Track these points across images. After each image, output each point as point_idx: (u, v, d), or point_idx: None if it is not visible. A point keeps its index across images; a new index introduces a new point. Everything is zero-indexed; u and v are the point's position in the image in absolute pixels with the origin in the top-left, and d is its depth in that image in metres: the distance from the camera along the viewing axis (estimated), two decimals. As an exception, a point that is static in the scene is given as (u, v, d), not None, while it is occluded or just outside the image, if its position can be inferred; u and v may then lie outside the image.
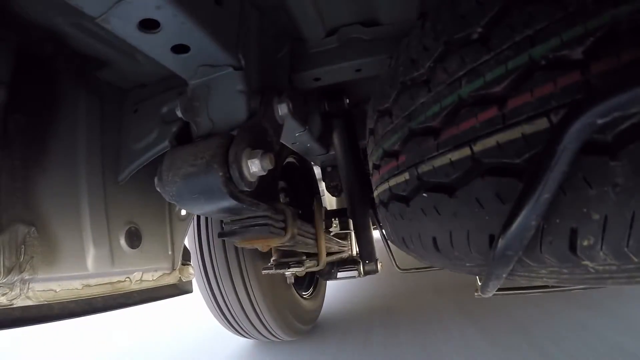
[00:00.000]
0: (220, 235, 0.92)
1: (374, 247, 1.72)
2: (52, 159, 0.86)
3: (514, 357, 1.41)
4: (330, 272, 1.87)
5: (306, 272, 2.21)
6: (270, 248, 1.39)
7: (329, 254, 1.56)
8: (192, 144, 0.71)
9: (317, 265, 1.44)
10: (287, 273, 1.49)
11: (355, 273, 1.83)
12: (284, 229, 0.97)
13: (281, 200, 1.92)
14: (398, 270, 1.66)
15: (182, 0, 0.57)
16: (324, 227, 1.49)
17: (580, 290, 1.43)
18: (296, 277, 2.00)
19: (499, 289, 0.66)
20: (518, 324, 1.76)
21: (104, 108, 1.00)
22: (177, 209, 1.24)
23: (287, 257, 1.45)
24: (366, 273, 1.79)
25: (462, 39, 0.56)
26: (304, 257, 1.43)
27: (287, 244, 1.01)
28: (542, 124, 0.43)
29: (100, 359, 2.29)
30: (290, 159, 2.06)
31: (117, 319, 3.26)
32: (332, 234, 1.93)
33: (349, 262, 1.89)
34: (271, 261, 1.48)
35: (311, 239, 1.32)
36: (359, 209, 1.55)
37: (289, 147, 1.41)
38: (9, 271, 0.74)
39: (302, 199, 2.12)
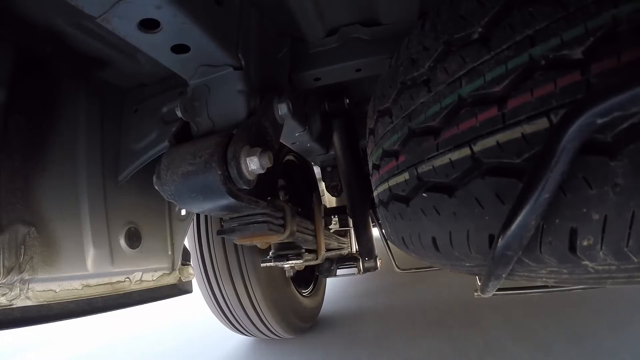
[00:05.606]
0: (219, 232, 0.92)
1: (373, 245, 1.72)
2: (52, 159, 0.86)
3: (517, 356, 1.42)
4: (329, 268, 1.88)
5: (306, 270, 2.22)
6: (269, 244, 1.39)
7: (328, 249, 1.56)
8: (191, 143, 0.71)
9: (316, 259, 1.44)
10: (285, 266, 1.49)
11: (354, 270, 1.84)
12: (283, 225, 0.98)
13: (281, 198, 1.92)
14: (398, 270, 1.66)
15: (182, 0, 0.57)
16: (322, 222, 1.49)
17: (579, 290, 1.44)
18: (296, 275, 2.01)
19: (499, 289, 0.66)
20: (521, 322, 1.76)
21: (104, 108, 1.00)
22: (177, 209, 1.24)
23: (286, 249, 1.45)
24: (366, 270, 1.80)
25: (462, 39, 0.56)
26: (303, 250, 1.44)
27: (286, 240, 1.02)
28: (542, 123, 0.43)
29: (97, 355, 2.30)
30: (289, 157, 2.06)
31: (115, 315, 3.26)
32: (331, 231, 1.93)
33: (348, 259, 1.90)
34: (270, 254, 1.48)
35: (310, 235, 1.33)
36: (359, 209, 1.55)
37: (289, 146, 1.41)
38: (8, 271, 0.74)
39: (302, 196, 2.12)
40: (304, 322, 2.02)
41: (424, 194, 0.61)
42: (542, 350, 1.42)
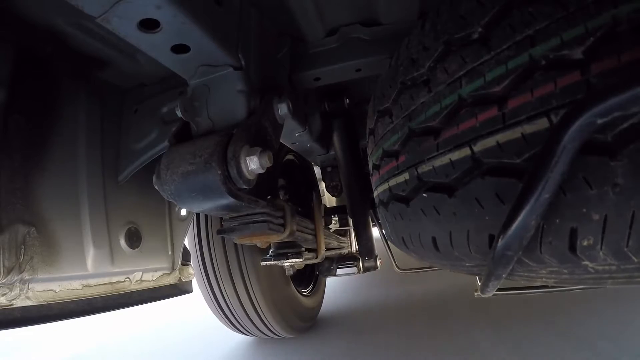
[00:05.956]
0: (219, 232, 0.92)
1: (373, 244, 1.72)
2: (52, 159, 0.86)
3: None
4: (329, 268, 1.88)
5: (306, 269, 2.23)
6: (269, 244, 1.40)
7: (328, 249, 1.57)
8: (191, 142, 0.71)
9: (316, 258, 1.44)
10: (285, 264, 1.50)
11: (354, 269, 1.85)
12: (283, 225, 0.98)
13: (281, 197, 1.92)
14: (397, 270, 1.66)
15: (182, 0, 0.57)
16: (322, 221, 1.49)
17: (579, 290, 1.44)
18: (296, 274, 2.01)
19: (499, 289, 0.66)
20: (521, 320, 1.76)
21: (103, 108, 1.00)
22: (177, 209, 1.24)
23: (286, 248, 1.46)
24: (365, 269, 1.80)
25: (462, 39, 0.56)
26: (303, 249, 1.44)
27: (286, 239, 1.02)
28: (542, 123, 0.43)
29: (97, 354, 2.30)
30: (289, 157, 2.06)
31: (115, 315, 3.26)
32: (331, 230, 1.93)
33: (348, 259, 1.90)
34: (270, 252, 1.49)
35: (310, 234, 1.33)
36: (359, 209, 1.55)
37: (289, 146, 1.41)
38: (8, 271, 0.74)
39: (302, 196, 2.12)
40: (304, 322, 2.02)
41: (424, 194, 0.61)
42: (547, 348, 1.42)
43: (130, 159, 1.03)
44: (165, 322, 3.04)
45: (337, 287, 3.41)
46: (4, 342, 2.99)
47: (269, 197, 1.01)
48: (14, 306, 0.76)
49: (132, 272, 1.04)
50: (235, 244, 1.62)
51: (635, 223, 0.37)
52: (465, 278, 2.59)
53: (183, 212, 1.26)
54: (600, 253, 0.41)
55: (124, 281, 1.02)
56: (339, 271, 1.92)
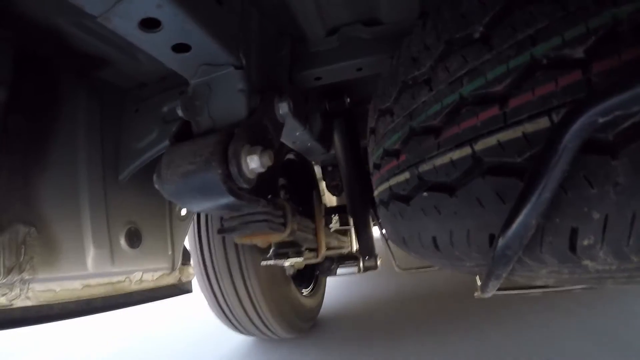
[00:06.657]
0: (220, 231, 0.92)
1: (373, 244, 1.72)
2: (52, 158, 0.86)
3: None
4: (330, 267, 1.88)
5: (306, 270, 2.22)
6: (270, 244, 1.39)
7: (328, 248, 1.57)
8: (191, 142, 0.71)
9: (317, 257, 1.44)
10: (286, 264, 1.50)
11: (355, 269, 1.84)
12: (284, 224, 0.98)
13: (281, 196, 1.92)
14: (398, 269, 1.66)
15: None
16: (323, 221, 1.49)
17: (579, 290, 1.44)
18: (296, 274, 2.01)
19: (499, 289, 0.66)
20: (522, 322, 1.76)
21: (104, 107, 1.00)
22: (177, 208, 1.24)
23: (286, 247, 1.46)
24: (366, 269, 1.80)
25: (463, 38, 0.56)
26: (303, 248, 1.44)
27: (287, 239, 1.02)
28: (543, 123, 0.43)
29: (97, 357, 2.30)
30: (290, 156, 2.06)
31: (114, 315, 3.26)
32: (332, 230, 1.93)
33: (348, 258, 1.90)
34: (270, 252, 1.49)
35: (311, 234, 1.33)
36: (359, 208, 1.55)
37: (290, 146, 1.41)
38: (9, 271, 0.74)
39: (302, 195, 2.12)
40: (304, 322, 2.02)
41: (424, 194, 0.61)
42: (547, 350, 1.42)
43: (130, 159, 1.02)
44: (164, 322, 3.04)
45: (337, 286, 3.41)
46: (5, 342, 2.99)
47: (269, 197, 1.01)
48: (14, 306, 0.76)
49: (133, 272, 1.04)
50: (236, 244, 1.62)
51: (636, 222, 0.38)
52: (466, 277, 2.59)
53: (183, 211, 1.26)
54: (601, 252, 0.41)
55: (124, 281, 1.02)
56: (339, 271, 1.91)
